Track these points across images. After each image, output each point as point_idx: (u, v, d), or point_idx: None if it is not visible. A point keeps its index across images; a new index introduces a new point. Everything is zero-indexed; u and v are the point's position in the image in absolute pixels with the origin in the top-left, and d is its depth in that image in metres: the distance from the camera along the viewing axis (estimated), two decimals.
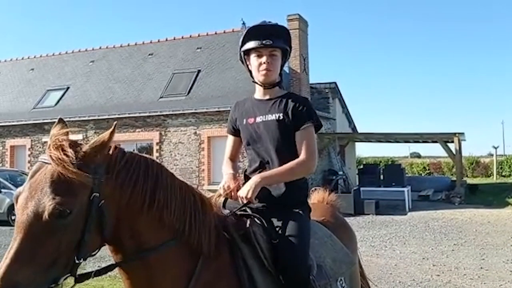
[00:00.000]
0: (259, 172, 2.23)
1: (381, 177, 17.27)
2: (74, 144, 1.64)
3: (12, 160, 18.39)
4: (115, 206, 1.68)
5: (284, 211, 2.17)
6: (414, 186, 17.72)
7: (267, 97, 2.35)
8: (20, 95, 19.70)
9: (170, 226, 1.80)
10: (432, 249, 8.71)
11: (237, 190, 2.13)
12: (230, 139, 2.48)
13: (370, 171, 17.15)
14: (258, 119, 2.30)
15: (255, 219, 2.10)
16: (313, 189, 3.26)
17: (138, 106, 16.21)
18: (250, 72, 2.37)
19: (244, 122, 2.36)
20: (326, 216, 2.79)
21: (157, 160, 1.91)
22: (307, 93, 17.81)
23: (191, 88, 16.19)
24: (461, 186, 17.33)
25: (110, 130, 1.67)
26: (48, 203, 1.51)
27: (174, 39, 19.29)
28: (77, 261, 1.58)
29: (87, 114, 16.69)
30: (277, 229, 2.11)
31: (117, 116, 16.07)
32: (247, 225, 2.04)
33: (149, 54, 18.93)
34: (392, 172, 16.82)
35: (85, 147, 1.65)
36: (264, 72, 2.27)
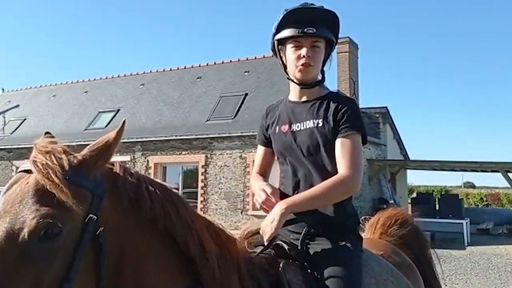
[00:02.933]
0: (296, 193, 1.79)
1: (436, 207, 16.24)
2: (67, 151, 1.24)
3: None
4: (119, 242, 1.24)
5: (328, 245, 1.69)
6: (472, 218, 16.52)
7: (304, 98, 1.88)
8: (74, 117, 20.30)
9: (191, 271, 1.36)
10: None
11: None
12: (261, 150, 2.02)
13: (424, 201, 16.17)
14: (294, 127, 1.85)
15: (291, 259, 1.64)
16: (363, 218, 2.77)
17: (185, 129, 16.22)
18: (285, 66, 1.89)
19: (277, 130, 1.90)
20: (386, 252, 2.27)
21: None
22: None
23: (238, 111, 16.04)
24: None
25: (117, 128, 1.27)
26: (29, 216, 1.11)
27: (223, 62, 19.35)
28: None
29: (135, 136, 16.85)
30: (317, 273, 1.63)
31: (164, 138, 16.15)
32: (280, 269, 1.57)
33: (198, 78, 19.06)
34: (448, 202, 15.78)
35: (83, 152, 1.24)
36: (302, 67, 1.80)
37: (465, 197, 31.73)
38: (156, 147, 16.58)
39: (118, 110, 19.28)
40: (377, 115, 19.40)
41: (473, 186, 48.91)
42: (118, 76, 21.94)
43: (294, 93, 1.93)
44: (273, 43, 1.89)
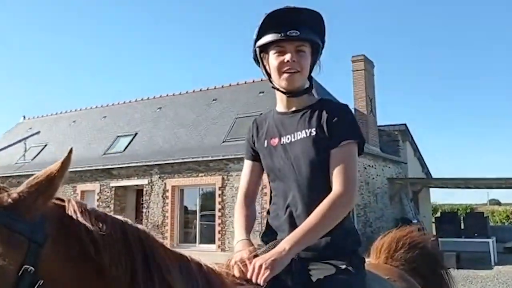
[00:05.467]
0: (288, 214, 1.62)
1: (461, 226, 15.75)
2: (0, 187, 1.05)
3: None
4: None
5: (327, 269, 1.52)
6: (498, 236, 15.93)
7: (294, 108, 1.73)
8: (92, 142, 20.54)
9: None
10: None
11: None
12: (248, 165, 1.85)
13: (448, 220, 15.67)
14: (284, 139, 1.69)
15: None
16: (383, 235, 2.54)
17: (201, 151, 16.20)
18: (269, 75, 1.74)
19: (266, 144, 1.74)
20: (392, 276, 2.07)
21: (139, 225, 1.25)
22: (375, 136, 16.99)
23: None
24: None
25: (62, 159, 1.08)
26: None
27: (237, 84, 19.43)
28: None
29: (152, 159, 16.91)
30: None
31: (181, 160, 16.13)
32: None
33: (213, 100, 19.14)
34: (474, 221, 15.25)
35: (20, 188, 1.06)
36: (287, 75, 1.65)
37: (490, 215, 30.84)
38: (173, 169, 16.57)
39: (136, 134, 19.45)
40: (396, 133, 19.10)
41: (498, 203, 47.54)
42: (136, 101, 22.22)
43: (281, 103, 1.78)
44: (255, 50, 1.74)
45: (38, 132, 22.70)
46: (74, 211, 1.11)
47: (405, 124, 19.46)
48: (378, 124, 17.65)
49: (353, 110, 16.43)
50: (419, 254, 2.43)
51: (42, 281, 1.01)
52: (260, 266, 1.38)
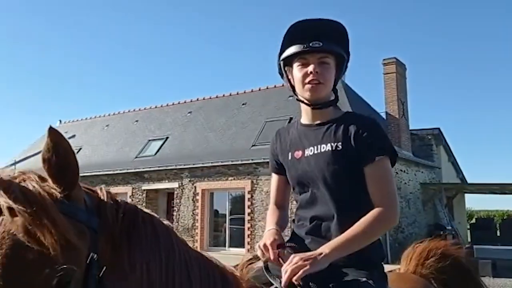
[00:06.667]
0: (313, 225, 1.62)
1: (498, 233, 15.24)
2: (42, 177, 1.01)
3: None
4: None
5: (346, 281, 1.49)
6: None
7: (318, 121, 1.70)
8: (125, 145, 20.96)
9: None
10: None
11: (277, 251, 1.52)
12: (274, 179, 1.87)
13: (484, 226, 15.25)
14: (308, 152, 1.66)
15: None
16: (416, 244, 2.46)
17: (231, 155, 16.28)
18: (293, 88, 1.73)
19: (290, 157, 1.73)
20: None
21: (159, 217, 1.29)
22: (407, 140, 16.66)
23: None
24: None
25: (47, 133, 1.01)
26: (34, 270, 0.90)
27: (267, 88, 19.44)
28: None
29: (183, 163, 17.11)
30: None
31: (210, 164, 16.25)
32: None
33: (243, 104, 19.23)
34: (511, 227, 14.76)
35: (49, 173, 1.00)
36: (310, 86, 1.63)
37: None
38: (203, 173, 16.71)
39: (167, 138, 19.73)
40: (429, 137, 18.67)
41: None
42: (167, 105, 22.56)
43: (306, 116, 1.76)
44: (279, 64, 1.75)
45: (73, 136, 23.36)
46: (110, 199, 1.14)
47: (438, 128, 18.99)
48: (411, 128, 17.28)
49: (384, 114, 16.19)
50: (451, 266, 2.34)
51: (105, 267, 1.02)
52: (301, 258, 1.39)
